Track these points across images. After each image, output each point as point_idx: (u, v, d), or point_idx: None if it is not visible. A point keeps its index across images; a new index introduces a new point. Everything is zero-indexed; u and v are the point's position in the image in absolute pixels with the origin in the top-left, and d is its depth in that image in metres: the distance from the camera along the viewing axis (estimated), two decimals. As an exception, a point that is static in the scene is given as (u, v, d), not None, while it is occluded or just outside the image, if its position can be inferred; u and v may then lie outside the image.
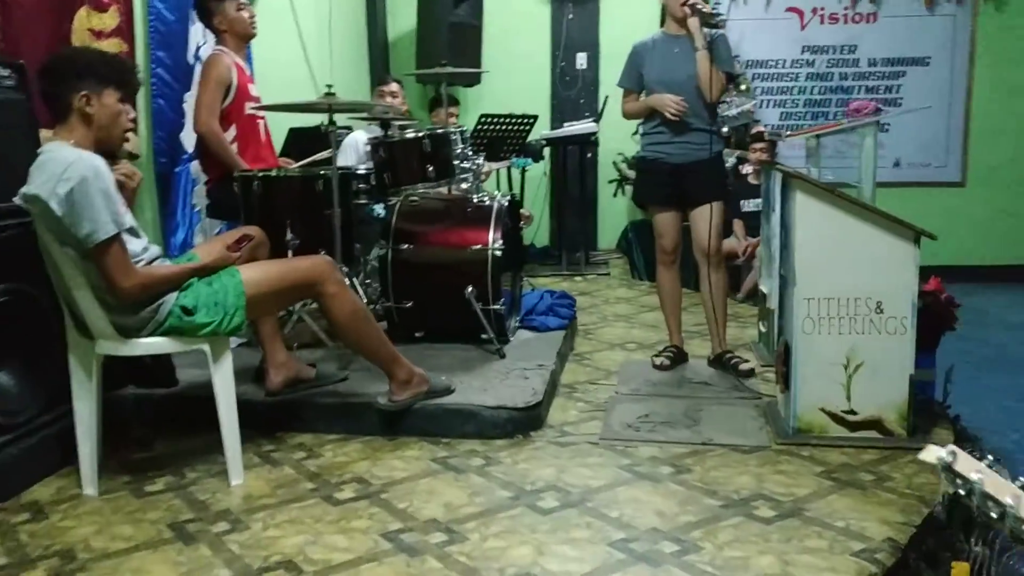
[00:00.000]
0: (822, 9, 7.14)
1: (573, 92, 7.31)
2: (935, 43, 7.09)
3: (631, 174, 6.66)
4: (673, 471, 2.67)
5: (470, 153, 3.67)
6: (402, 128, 4.86)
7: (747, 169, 5.88)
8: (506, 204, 3.67)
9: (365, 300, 3.77)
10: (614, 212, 7.32)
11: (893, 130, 6.96)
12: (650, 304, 5.17)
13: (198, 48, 4.40)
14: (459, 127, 3.75)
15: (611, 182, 6.99)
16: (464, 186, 3.74)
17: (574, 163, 6.71)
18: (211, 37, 3.96)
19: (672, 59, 3.63)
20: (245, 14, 3.88)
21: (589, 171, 7.11)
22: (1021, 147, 7.07)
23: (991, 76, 7.02)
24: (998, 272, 6.83)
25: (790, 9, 7.13)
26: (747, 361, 3.66)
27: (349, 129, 5.71)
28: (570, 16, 7.22)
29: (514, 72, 7.19)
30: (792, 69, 7.21)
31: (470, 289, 3.52)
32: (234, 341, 3.26)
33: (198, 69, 4.03)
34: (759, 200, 5.80)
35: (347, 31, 6.70)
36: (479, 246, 3.54)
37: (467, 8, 6.88)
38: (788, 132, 3.82)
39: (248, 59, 4.72)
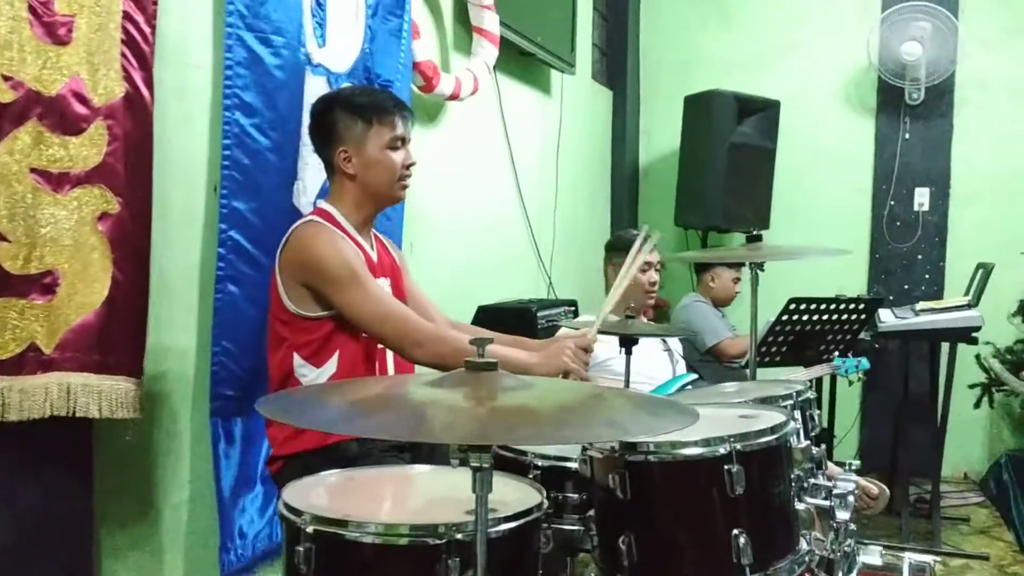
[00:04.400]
0: None
1: (908, 244, 4.98)
2: None
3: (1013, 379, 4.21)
4: None
5: (818, 471, 1.52)
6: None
7: None
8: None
9: None
10: (970, 429, 4.80)
11: None
12: None
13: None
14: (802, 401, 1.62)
15: (973, 387, 4.51)
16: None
17: (916, 355, 4.33)
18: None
19: None
20: (397, 157, 2.09)
21: (934, 366, 4.69)
22: None
23: None
24: None
25: None
26: None
27: (573, 307, 3.75)
28: (906, 136, 4.95)
29: (817, 211, 5.03)
30: None
31: None
32: None
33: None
34: None
35: (581, 150, 4.84)
36: None
37: (756, 125, 4.83)
38: None
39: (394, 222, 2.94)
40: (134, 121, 1.78)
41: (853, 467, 1.64)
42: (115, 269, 1.74)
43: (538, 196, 4.23)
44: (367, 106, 2.15)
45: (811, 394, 1.69)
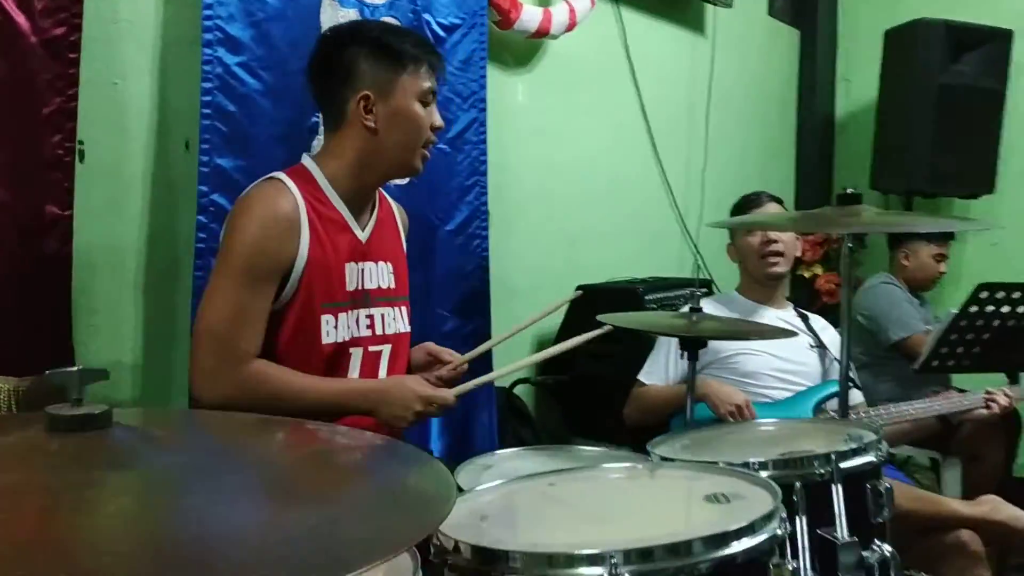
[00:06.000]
0: None
1: None
2: None
3: None
4: None
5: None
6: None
7: None
8: None
9: None
10: None
11: None
12: None
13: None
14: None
15: None
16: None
17: None
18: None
19: None
20: (425, 115, 1.74)
21: None
22: None
23: None
24: None
25: None
26: None
27: (706, 288, 3.10)
28: None
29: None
30: None
31: None
32: None
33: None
34: None
35: (750, 100, 4.08)
36: None
37: (977, 61, 3.83)
38: None
39: (426, 192, 2.44)
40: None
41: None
42: (-31, 242, 1.41)
43: (681, 155, 3.58)
44: (397, 48, 1.67)
45: (877, 455, 1.01)
